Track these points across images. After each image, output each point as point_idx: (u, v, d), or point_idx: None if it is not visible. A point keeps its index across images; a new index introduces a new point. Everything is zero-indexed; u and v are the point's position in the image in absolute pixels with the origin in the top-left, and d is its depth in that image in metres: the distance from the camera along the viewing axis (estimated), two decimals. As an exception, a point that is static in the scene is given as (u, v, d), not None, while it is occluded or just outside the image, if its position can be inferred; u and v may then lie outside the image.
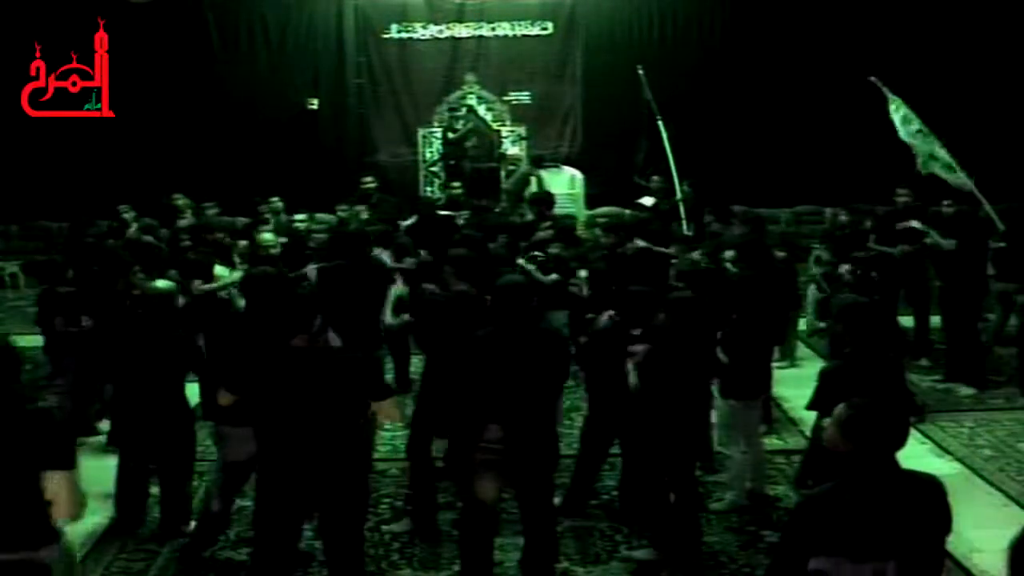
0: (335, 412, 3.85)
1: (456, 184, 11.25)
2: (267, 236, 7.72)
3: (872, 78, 9.67)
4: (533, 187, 11.53)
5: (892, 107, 9.58)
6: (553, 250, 7.66)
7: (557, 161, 12.44)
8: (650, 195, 10.63)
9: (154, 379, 5.05)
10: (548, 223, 8.55)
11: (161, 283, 5.38)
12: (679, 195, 10.16)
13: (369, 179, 11.07)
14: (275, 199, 10.04)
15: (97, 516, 5.22)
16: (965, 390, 7.54)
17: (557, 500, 5.36)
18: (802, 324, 8.92)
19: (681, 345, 4.69)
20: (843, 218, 9.36)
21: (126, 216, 9.78)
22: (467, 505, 4.42)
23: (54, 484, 3.17)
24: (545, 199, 9.20)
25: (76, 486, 3.24)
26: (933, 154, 9.30)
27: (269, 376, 3.86)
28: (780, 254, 7.89)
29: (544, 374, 4.26)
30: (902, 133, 9.47)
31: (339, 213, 9.84)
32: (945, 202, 8.56)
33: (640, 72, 11.01)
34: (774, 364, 7.80)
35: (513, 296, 4.27)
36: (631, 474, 5.32)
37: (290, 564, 4.08)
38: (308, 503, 3.91)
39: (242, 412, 4.10)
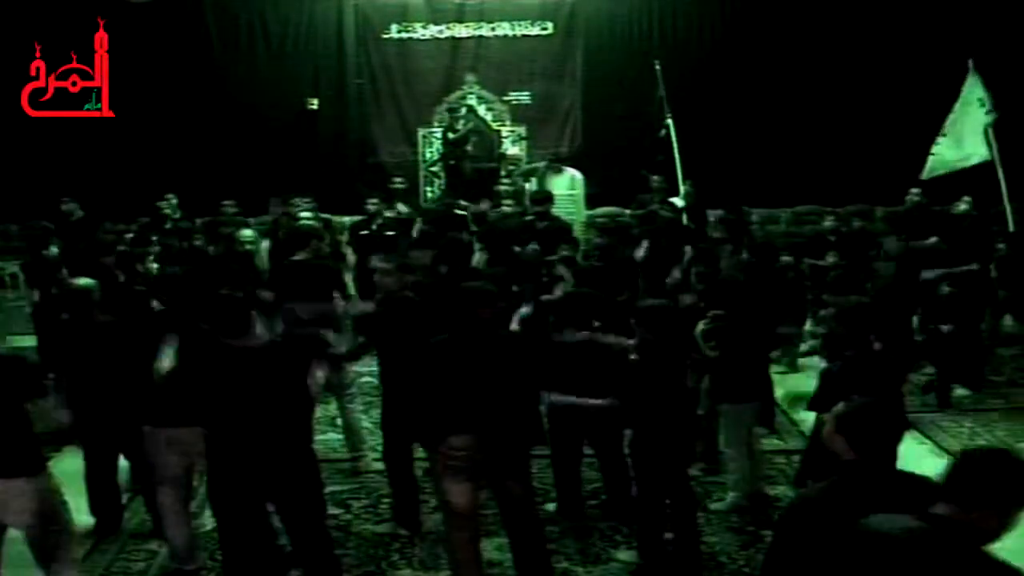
0: (279, 405, 3.89)
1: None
2: (246, 232, 7.80)
3: (970, 61, 9.72)
4: (533, 185, 11.57)
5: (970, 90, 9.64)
6: (564, 252, 7.64)
7: (560, 162, 12.47)
8: (649, 193, 10.66)
9: (111, 377, 4.98)
10: (545, 223, 8.57)
11: (83, 280, 5.32)
12: (680, 195, 10.15)
13: (399, 179, 11.14)
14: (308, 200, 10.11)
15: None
16: (960, 391, 7.54)
17: (552, 506, 5.40)
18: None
19: (661, 351, 4.71)
20: (828, 223, 9.35)
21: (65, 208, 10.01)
22: (444, 511, 4.41)
23: None
24: (545, 198, 9.20)
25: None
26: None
27: (212, 377, 3.89)
28: (786, 258, 7.88)
29: (508, 378, 4.23)
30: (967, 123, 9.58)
31: (369, 206, 9.80)
32: (965, 197, 8.57)
33: (657, 68, 11.03)
34: (776, 367, 7.86)
35: (473, 302, 4.25)
36: (610, 475, 5.35)
37: (262, 555, 4.08)
38: (260, 494, 3.93)
39: (184, 415, 4.11)
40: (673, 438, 4.69)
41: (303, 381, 4.05)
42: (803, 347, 8.22)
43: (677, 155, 10.47)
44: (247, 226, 8.58)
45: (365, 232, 9.32)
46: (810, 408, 4.56)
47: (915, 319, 8.10)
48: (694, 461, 5.34)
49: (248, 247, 7.71)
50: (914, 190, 9.56)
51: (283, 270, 6.68)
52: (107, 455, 5.23)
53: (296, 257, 6.58)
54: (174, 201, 10.77)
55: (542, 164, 12.15)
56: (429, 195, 13.50)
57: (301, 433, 4.04)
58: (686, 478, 4.86)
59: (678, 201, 10.18)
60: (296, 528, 4.06)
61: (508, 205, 9.74)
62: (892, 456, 2.84)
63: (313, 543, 4.07)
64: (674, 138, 10.56)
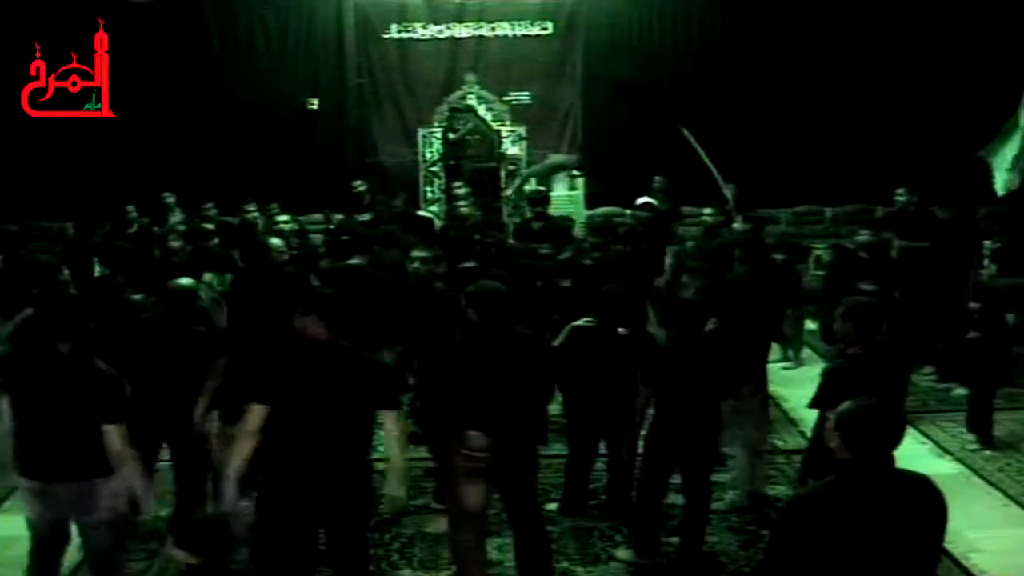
0: (350, 410, 3.82)
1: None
2: (275, 242, 7.54)
3: None
4: (532, 185, 11.60)
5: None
6: (544, 250, 7.65)
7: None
8: (652, 195, 10.67)
9: (172, 376, 5.01)
10: (542, 222, 8.58)
11: (184, 280, 5.36)
12: (730, 200, 10.11)
13: (359, 183, 11.14)
14: (274, 206, 10.06)
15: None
16: (960, 391, 7.54)
17: (554, 505, 5.40)
18: (809, 324, 8.88)
19: (690, 345, 4.72)
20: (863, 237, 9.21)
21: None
22: (453, 512, 4.40)
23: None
24: (542, 199, 9.17)
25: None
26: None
27: (289, 370, 3.82)
28: (779, 256, 7.88)
29: (525, 378, 4.23)
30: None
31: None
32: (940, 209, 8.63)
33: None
34: (779, 364, 7.87)
35: (488, 302, 4.25)
36: (618, 475, 5.35)
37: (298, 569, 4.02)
38: (315, 505, 3.85)
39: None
40: (695, 434, 4.69)
41: (374, 394, 3.94)
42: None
43: (706, 159, 10.46)
44: (279, 235, 8.21)
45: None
46: (812, 406, 4.56)
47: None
48: (718, 464, 5.34)
49: (281, 257, 7.13)
50: (900, 190, 9.60)
51: (340, 275, 6.51)
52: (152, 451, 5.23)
53: (353, 261, 6.62)
54: (171, 200, 10.73)
55: (560, 159, 12.21)
56: (429, 195, 13.50)
57: (364, 441, 3.99)
58: (707, 476, 4.86)
59: (652, 200, 10.20)
60: (339, 534, 3.98)
61: (465, 206, 9.67)
62: (887, 457, 2.84)
63: (352, 551, 4.02)
64: (695, 144, 10.56)
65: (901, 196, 9.44)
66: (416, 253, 6.17)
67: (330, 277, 6.48)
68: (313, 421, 3.77)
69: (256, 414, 3.82)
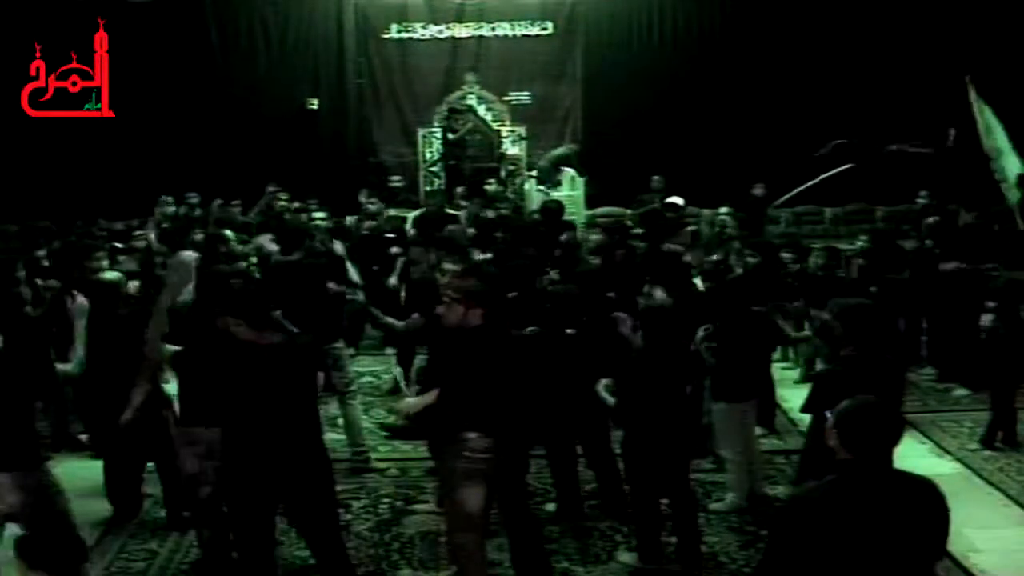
0: (292, 402, 3.85)
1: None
2: (229, 233, 7.73)
3: (966, 77, 9.70)
4: (532, 186, 11.61)
5: (978, 112, 9.63)
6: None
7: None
8: (651, 195, 10.67)
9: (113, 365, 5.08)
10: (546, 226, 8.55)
11: (109, 274, 5.41)
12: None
13: (397, 178, 11.22)
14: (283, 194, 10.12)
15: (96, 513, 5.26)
16: (960, 391, 7.53)
17: (553, 506, 5.40)
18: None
19: (659, 351, 4.71)
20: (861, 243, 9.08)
21: None
22: (454, 513, 4.39)
23: None
24: (557, 210, 9.08)
25: None
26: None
27: (228, 374, 3.86)
28: (787, 255, 7.87)
29: (520, 379, 4.24)
30: (984, 143, 9.58)
31: (369, 207, 9.86)
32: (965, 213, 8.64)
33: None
34: (780, 365, 7.86)
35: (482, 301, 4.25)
36: (601, 474, 5.35)
37: (271, 551, 4.07)
38: (276, 492, 3.89)
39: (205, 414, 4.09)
40: (669, 439, 4.68)
41: (313, 380, 4.01)
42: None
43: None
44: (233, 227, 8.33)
45: (365, 232, 9.36)
46: (804, 410, 4.53)
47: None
48: (703, 456, 5.32)
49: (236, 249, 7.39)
50: (922, 193, 9.65)
51: (276, 270, 6.63)
52: (130, 447, 5.27)
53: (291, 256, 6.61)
54: (195, 200, 10.77)
55: (567, 148, 12.26)
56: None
57: (314, 431, 4.01)
58: (685, 479, 4.86)
59: (679, 200, 10.16)
60: (311, 528, 4.01)
61: (504, 208, 9.71)
62: (887, 457, 2.83)
63: (328, 544, 4.03)
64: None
65: (923, 199, 9.46)
66: (447, 266, 6.03)
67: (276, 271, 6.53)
68: (258, 421, 3.81)
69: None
